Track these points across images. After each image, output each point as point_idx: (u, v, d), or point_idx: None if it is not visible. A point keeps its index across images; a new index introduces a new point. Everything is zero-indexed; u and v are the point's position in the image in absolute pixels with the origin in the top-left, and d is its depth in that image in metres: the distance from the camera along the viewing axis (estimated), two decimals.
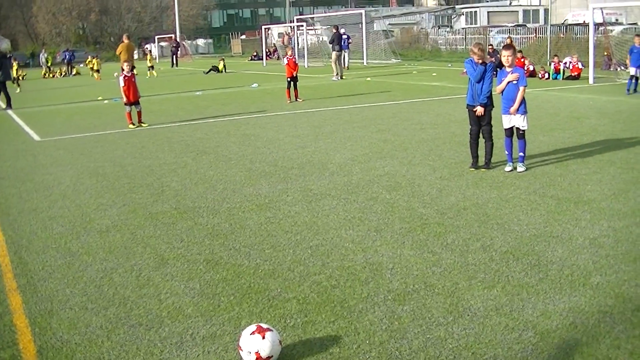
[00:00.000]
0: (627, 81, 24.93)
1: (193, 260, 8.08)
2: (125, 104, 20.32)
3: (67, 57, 57.67)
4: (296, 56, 33.18)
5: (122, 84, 20.09)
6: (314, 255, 8.07)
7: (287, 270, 7.56)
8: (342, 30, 41.92)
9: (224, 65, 49.18)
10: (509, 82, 11.93)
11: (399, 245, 8.30)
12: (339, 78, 36.77)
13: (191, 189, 11.83)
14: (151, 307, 6.71)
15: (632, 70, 24.68)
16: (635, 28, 44.67)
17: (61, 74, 55.43)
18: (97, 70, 48.61)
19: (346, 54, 44.14)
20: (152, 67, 48.55)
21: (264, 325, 5.55)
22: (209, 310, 6.59)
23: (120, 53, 32.13)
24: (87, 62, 49.84)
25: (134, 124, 20.21)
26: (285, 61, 26.29)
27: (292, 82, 25.61)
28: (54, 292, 7.21)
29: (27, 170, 14.21)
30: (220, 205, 10.66)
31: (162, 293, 7.06)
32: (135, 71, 21.21)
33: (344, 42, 42.12)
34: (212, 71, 47.82)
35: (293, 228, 9.25)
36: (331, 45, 39.18)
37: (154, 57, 76.45)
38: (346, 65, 43.56)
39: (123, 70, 20.23)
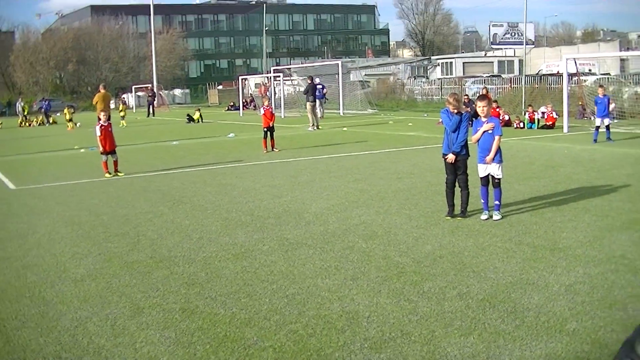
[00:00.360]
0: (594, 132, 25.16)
1: (169, 309, 8.03)
2: (102, 153, 20.28)
3: (44, 106, 57.69)
4: (273, 106, 33.30)
5: (98, 133, 20.07)
6: (290, 304, 8.04)
7: (264, 319, 7.53)
8: (317, 80, 42.25)
9: (200, 115, 49.30)
10: (484, 132, 12.03)
11: (375, 293, 8.29)
12: (315, 128, 36.90)
13: (167, 238, 11.79)
14: (126, 356, 6.65)
15: (597, 121, 25.14)
16: (608, 78, 45.20)
17: (38, 123, 55.30)
18: (70, 120, 48.20)
19: (320, 104, 44.40)
20: (123, 117, 48.43)
21: None
22: (185, 359, 6.54)
23: (96, 103, 32.16)
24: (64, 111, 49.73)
25: (110, 173, 20.14)
26: (262, 111, 26.40)
27: (268, 132, 25.66)
28: (27, 342, 7.13)
29: (1, 219, 14.12)
30: (196, 254, 10.62)
31: (138, 342, 7.00)
32: (110, 120, 21.24)
33: (319, 92, 42.46)
34: (190, 121, 47.96)
35: (269, 277, 9.22)
36: (306, 95, 39.42)
37: (130, 107, 76.59)
38: (321, 114, 43.76)
39: (100, 119, 20.21)
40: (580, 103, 36.70)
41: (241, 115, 58.14)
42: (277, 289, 8.67)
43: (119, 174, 20.20)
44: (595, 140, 24.42)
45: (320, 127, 37.45)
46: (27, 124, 54.75)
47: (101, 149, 20.19)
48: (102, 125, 20.08)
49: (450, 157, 12.26)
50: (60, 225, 13.33)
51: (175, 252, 10.76)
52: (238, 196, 15.75)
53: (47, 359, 6.67)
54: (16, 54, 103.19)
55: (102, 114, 20.41)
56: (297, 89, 59.86)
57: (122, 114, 48.86)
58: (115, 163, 20.42)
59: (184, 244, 11.29)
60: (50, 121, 55.79)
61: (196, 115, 48.84)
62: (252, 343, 6.86)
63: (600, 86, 26.37)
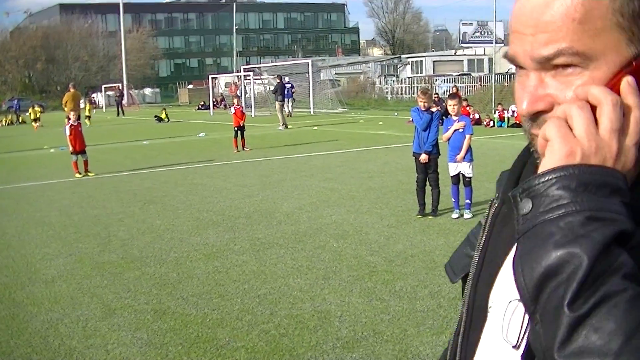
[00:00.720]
0: None
1: (140, 310, 8.01)
2: (72, 153, 20.16)
3: (14, 105, 57.36)
4: (243, 105, 33.27)
5: (68, 132, 19.96)
6: (262, 304, 8.04)
7: (236, 319, 7.53)
8: (286, 79, 42.29)
9: (166, 115, 49.09)
10: (455, 131, 12.08)
11: (347, 293, 8.31)
12: (285, 127, 36.92)
13: (138, 239, 11.76)
14: (98, 358, 6.63)
15: None
16: None
17: (7, 123, 54.87)
18: (35, 120, 47.51)
19: (290, 103, 44.48)
20: (88, 117, 47.42)
21: None
22: None
23: (66, 102, 31.96)
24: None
25: (80, 173, 20.05)
26: (233, 110, 26.38)
27: (239, 131, 25.64)
28: None
29: None
30: (167, 254, 10.60)
31: (109, 343, 6.98)
32: (80, 120, 21.14)
33: (288, 92, 42.51)
34: (159, 121, 47.77)
35: (241, 277, 9.22)
36: (274, 95, 39.42)
37: (100, 106, 76.14)
38: (289, 112, 43.84)
39: (69, 119, 20.14)
40: None
41: (211, 114, 58.00)
42: (248, 289, 8.68)
43: (89, 174, 20.12)
44: None
45: (288, 126, 37.46)
46: None
47: (71, 148, 20.07)
48: (71, 125, 19.97)
49: (424, 157, 12.30)
50: (31, 225, 13.26)
51: (147, 253, 10.74)
52: (209, 196, 15.73)
53: None
54: None
55: (72, 113, 20.35)
56: (268, 88, 59.79)
57: (87, 113, 48.06)
58: (86, 163, 20.32)
59: (155, 245, 11.27)
60: (20, 120, 55.37)
61: (162, 114, 48.62)
62: (225, 343, 6.86)
63: None
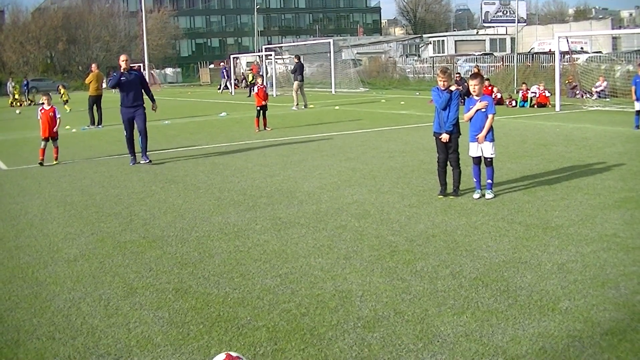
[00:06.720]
0: (592, 108, 24.96)
1: (162, 289, 8.02)
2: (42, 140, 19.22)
3: (25, 86, 57.95)
4: (267, 85, 33.20)
5: (38, 117, 19.23)
6: (283, 283, 8.04)
7: (257, 299, 7.53)
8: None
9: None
10: (477, 110, 12.00)
11: (368, 272, 8.29)
12: (304, 107, 36.81)
13: (160, 218, 11.78)
14: (120, 337, 6.65)
15: (637, 105, 22.09)
16: (600, 56, 45.20)
17: (28, 104, 54.98)
18: (66, 102, 45.55)
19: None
20: (66, 101, 45.49)
21: (234, 354, 5.51)
22: (178, 339, 6.54)
23: (90, 82, 32.01)
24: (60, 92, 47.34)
25: (41, 164, 18.80)
26: (256, 90, 26.35)
27: (261, 111, 25.64)
28: (20, 322, 7.13)
29: None
30: (189, 234, 10.61)
31: (131, 322, 7.00)
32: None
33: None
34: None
35: (262, 256, 9.22)
36: (293, 75, 39.20)
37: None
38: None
39: (43, 104, 19.33)
40: (568, 81, 36.70)
41: (232, 94, 58.02)
42: (270, 268, 8.67)
43: (54, 161, 19.24)
44: (637, 127, 21.80)
45: (310, 105, 37.39)
46: (17, 104, 54.44)
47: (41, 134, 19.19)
48: (43, 109, 19.21)
49: (445, 137, 12.24)
50: (53, 205, 13.31)
51: (168, 232, 10.75)
52: (230, 175, 15.73)
53: (40, 340, 6.66)
54: (6, 34, 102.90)
55: (45, 98, 19.48)
56: (289, 68, 59.75)
57: (64, 98, 46.17)
58: (56, 150, 19.36)
59: (176, 224, 11.28)
60: (31, 101, 55.19)
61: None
62: (246, 322, 6.86)
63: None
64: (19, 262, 9.44)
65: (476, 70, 34.78)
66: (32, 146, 23.34)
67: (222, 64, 71.60)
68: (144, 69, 72.95)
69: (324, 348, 6.18)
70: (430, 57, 71.03)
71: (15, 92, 56.50)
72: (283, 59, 65.03)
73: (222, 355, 5.48)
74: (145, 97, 18.48)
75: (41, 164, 18.76)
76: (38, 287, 8.29)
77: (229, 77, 64.84)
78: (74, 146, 23.15)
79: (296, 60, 39.47)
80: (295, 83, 38.06)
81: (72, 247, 10.15)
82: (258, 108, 25.67)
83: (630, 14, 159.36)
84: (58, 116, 19.23)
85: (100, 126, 30.64)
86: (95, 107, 31.13)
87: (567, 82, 36.48)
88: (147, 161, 18.24)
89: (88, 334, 6.74)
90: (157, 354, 6.21)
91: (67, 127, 30.40)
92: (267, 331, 6.62)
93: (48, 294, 8.01)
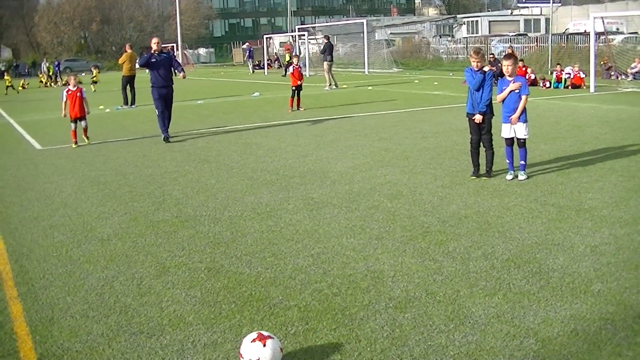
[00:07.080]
0: (627, 90, 24.62)
1: (194, 268, 8.07)
2: (71, 121, 19.00)
3: (55, 67, 58.47)
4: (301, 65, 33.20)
5: (64, 98, 19.03)
6: (315, 263, 8.06)
7: (289, 278, 7.55)
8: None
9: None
10: (511, 91, 11.92)
11: (400, 253, 8.29)
12: (331, 88, 36.74)
13: (192, 198, 11.83)
14: (152, 315, 6.70)
15: None
16: (636, 37, 44.75)
17: (62, 83, 55.26)
18: (94, 82, 46.37)
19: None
20: (95, 82, 46.14)
21: (265, 333, 5.54)
22: (210, 318, 6.58)
23: (123, 62, 32.18)
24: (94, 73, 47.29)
25: (76, 144, 18.80)
26: (291, 70, 26.36)
27: (296, 91, 25.67)
28: (54, 300, 7.20)
29: (28, 179, 14.21)
30: (221, 213, 10.65)
31: (164, 301, 7.05)
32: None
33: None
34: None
35: (294, 236, 9.24)
36: (323, 55, 39.04)
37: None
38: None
39: (68, 84, 19.14)
40: (602, 62, 36.36)
41: (266, 74, 58.05)
42: (302, 248, 8.70)
43: (86, 140, 19.24)
44: None
45: (344, 85, 37.32)
46: (51, 84, 54.82)
47: (67, 115, 19.02)
48: (69, 90, 18.92)
49: (478, 118, 12.18)
50: (87, 184, 13.40)
51: (201, 212, 10.80)
52: (263, 155, 15.76)
53: (74, 318, 6.73)
54: (40, 14, 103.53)
55: (72, 78, 19.31)
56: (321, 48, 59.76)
57: (95, 79, 46.93)
58: (85, 129, 19.21)
59: (209, 203, 11.33)
60: (59, 81, 55.49)
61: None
62: (277, 302, 6.89)
63: None
64: (53, 241, 9.53)
65: (510, 51, 34.59)
66: (66, 126, 23.47)
67: (246, 44, 71.39)
68: (177, 49, 73.13)
69: (355, 328, 6.20)
70: (464, 37, 70.58)
71: (46, 73, 56.96)
72: (316, 39, 64.75)
73: (254, 335, 5.51)
74: (174, 78, 19.43)
75: (76, 144, 18.74)
76: (72, 266, 8.37)
77: (252, 57, 64.96)
78: (107, 126, 23.28)
79: (325, 41, 39.28)
80: (325, 63, 37.91)
81: (106, 226, 10.22)
82: (293, 88, 25.72)
83: None
84: (84, 96, 19.08)
85: (133, 106, 30.80)
86: (128, 87, 31.28)
87: (602, 63, 36.15)
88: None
89: (121, 312, 6.80)
90: (189, 333, 6.26)
91: (101, 107, 30.59)
92: (299, 311, 6.64)
93: (82, 273, 8.08)
